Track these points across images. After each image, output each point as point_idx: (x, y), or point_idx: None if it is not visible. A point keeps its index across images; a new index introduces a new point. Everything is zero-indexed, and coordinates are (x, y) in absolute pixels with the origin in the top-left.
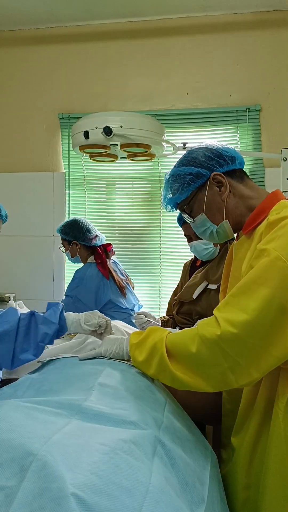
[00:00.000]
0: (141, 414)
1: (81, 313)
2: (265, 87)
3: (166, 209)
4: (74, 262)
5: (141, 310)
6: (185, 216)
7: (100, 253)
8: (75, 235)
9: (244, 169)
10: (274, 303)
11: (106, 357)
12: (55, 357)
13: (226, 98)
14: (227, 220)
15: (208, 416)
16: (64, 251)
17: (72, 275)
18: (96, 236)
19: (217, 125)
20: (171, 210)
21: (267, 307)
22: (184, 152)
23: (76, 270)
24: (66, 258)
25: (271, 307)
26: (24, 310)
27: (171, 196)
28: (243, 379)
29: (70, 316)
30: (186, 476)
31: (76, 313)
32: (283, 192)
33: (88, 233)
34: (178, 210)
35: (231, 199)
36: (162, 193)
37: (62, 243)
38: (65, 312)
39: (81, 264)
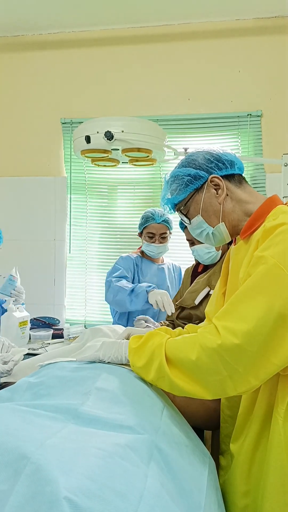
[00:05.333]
0: (138, 419)
1: None
2: (266, 93)
3: (164, 210)
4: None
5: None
6: (182, 217)
7: None
8: None
9: (245, 175)
10: (273, 311)
11: (104, 361)
12: (53, 361)
13: (228, 104)
14: (223, 222)
15: (206, 422)
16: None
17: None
18: None
19: (219, 131)
20: (169, 212)
21: (266, 316)
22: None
23: None
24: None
25: (270, 315)
26: (24, 314)
27: (170, 196)
28: (242, 386)
29: None
30: (183, 481)
31: None
32: (283, 197)
33: None
34: (175, 212)
35: (227, 203)
36: (161, 194)
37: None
38: None
39: None
